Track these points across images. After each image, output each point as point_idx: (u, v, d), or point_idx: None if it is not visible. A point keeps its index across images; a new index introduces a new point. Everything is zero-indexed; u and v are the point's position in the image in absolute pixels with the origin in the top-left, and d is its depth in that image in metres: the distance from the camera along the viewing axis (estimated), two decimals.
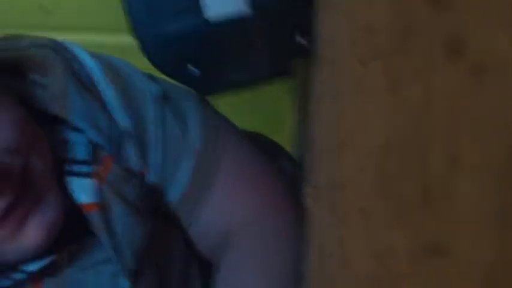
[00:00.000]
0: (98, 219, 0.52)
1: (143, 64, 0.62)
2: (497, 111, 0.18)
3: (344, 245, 0.38)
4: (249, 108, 0.98)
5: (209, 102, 0.66)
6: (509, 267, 0.18)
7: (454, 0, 0.20)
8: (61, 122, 0.55)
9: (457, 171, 0.21)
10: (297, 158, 0.88)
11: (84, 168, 0.54)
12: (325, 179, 0.48)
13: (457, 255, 0.21)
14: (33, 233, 0.48)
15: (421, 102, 0.24)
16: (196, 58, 0.59)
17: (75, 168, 0.54)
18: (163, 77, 0.63)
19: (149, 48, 0.60)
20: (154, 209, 0.59)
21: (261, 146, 0.68)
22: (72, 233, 0.52)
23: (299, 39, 0.58)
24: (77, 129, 0.55)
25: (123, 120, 0.56)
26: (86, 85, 0.56)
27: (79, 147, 0.55)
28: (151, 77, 0.61)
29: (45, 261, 0.51)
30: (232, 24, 0.57)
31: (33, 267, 0.50)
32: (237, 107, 0.76)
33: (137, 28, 0.58)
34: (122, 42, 0.68)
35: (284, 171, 0.71)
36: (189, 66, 0.59)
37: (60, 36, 0.61)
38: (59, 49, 0.58)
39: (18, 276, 0.50)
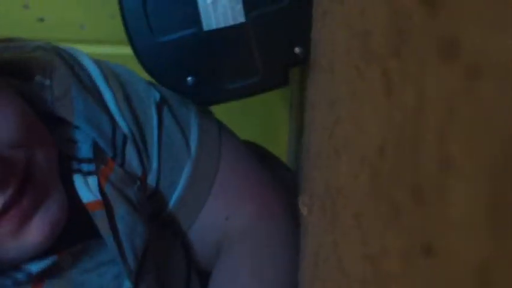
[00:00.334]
0: (103, 219, 0.52)
1: (143, 75, 0.62)
2: (491, 113, 0.18)
3: (339, 250, 0.38)
4: (243, 117, 0.98)
5: (208, 109, 0.66)
6: (501, 268, 0.18)
7: (448, 3, 0.20)
8: (66, 122, 0.55)
9: (451, 175, 0.21)
10: (292, 166, 0.88)
11: (88, 166, 0.54)
12: (320, 186, 0.48)
13: (450, 257, 0.21)
14: (36, 229, 0.48)
15: (417, 106, 0.24)
16: (192, 68, 0.59)
17: (80, 166, 0.54)
18: None
19: (145, 58, 0.60)
20: (155, 213, 0.59)
21: (257, 154, 0.69)
22: (76, 234, 0.52)
23: (297, 50, 0.59)
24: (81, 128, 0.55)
25: (124, 125, 0.57)
26: (88, 89, 0.57)
27: (83, 146, 0.55)
28: (151, 84, 0.62)
29: (47, 262, 0.50)
30: (229, 34, 0.58)
31: (35, 267, 0.50)
32: (231, 115, 0.76)
33: (133, 38, 0.59)
34: (122, 53, 0.67)
35: (279, 179, 0.71)
36: (185, 75, 0.59)
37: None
38: (62, 53, 0.58)
39: (19, 275, 0.50)
